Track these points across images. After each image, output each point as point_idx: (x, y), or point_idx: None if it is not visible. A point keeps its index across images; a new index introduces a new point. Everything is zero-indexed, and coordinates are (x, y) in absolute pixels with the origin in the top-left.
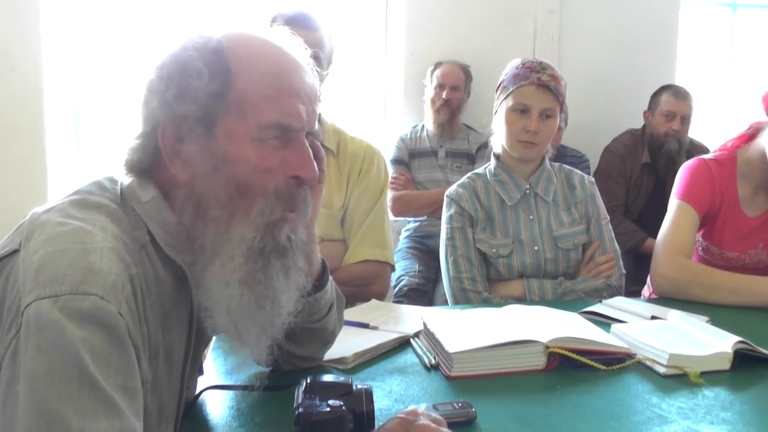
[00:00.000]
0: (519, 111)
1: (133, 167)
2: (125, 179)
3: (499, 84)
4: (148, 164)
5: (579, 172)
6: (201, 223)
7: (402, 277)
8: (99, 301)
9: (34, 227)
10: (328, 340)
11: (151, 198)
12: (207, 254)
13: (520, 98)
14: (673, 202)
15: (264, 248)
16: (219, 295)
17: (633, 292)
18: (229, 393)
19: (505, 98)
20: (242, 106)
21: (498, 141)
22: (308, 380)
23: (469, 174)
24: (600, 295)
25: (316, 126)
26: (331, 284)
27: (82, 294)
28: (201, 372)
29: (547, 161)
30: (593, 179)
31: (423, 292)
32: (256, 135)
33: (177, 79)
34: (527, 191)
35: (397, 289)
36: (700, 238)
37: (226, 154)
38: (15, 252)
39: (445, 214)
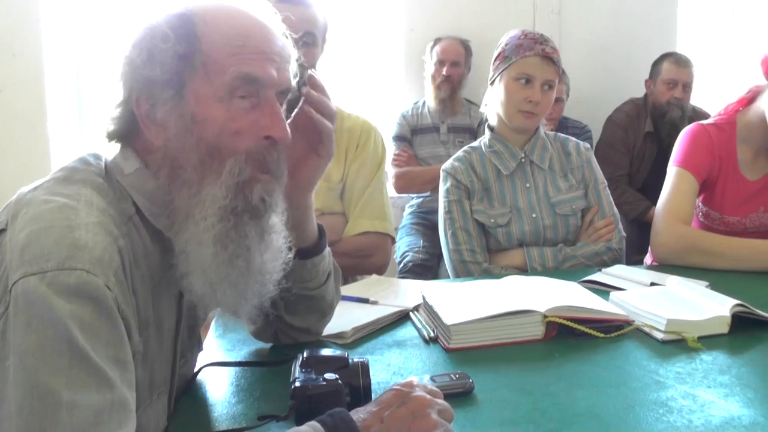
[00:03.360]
0: (522, 81)
1: (113, 135)
2: (109, 154)
3: (498, 54)
4: (127, 131)
5: (574, 139)
6: (176, 185)
7: (406, 253)
8: (86, 276)
9: (19, 206)
10: (326, 312)
11: (134, 169)
12: (181, 216)
13: (524, 68)
14: (672, 170)
15: (236, 207)
16: (193, 255)
17: (637, 261)
18: (228, 369)
19: (506, 68)
20: (207, 66)
21: (493, 111)
22: (305, 354)
23: (464, 147)
24: (601, 259)
25: (302, 88)
26: (328, 253)
27: (68, 269)
28: (200, 347)
29: (541, 129)
30: (588, 145)
31: (428, 268)
32: (223, 94)
33: (146, 44)
34: (522, 160)
35: (401, 265)
36: (700, 204)
37: (194, 116)
38: (1, 232)
39: (441, 188)
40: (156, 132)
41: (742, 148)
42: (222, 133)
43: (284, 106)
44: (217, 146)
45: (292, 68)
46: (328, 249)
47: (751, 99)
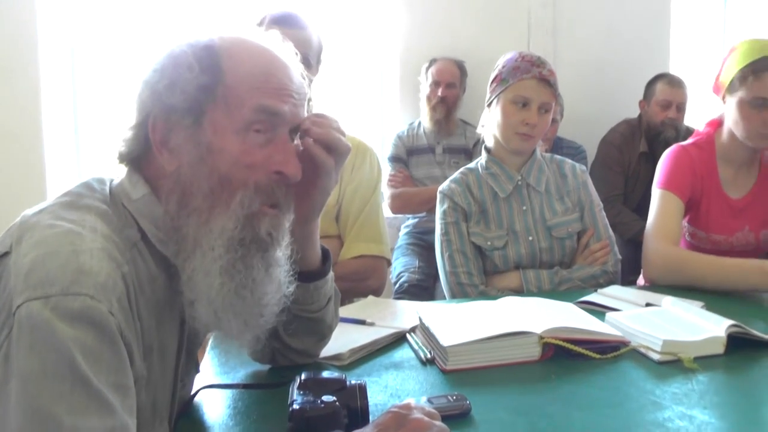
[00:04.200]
0: (519, 104)
1: (125, 158)
2: (115, 178)
3: (495, 76)
4: (138, 155)
5: (570, 161)
6: (184, 212)
7: (402, 274)
8: (89, 301)
9: (24, 230)
10: (325, 334)
11: (142, 195)
12: (189, 244)
13: (521, 91)
14: (656, 192)
15: (244, 239)
16: (200, 284)
17: (633, 281)
18: (226, 391)
19: (503, 91)
20: (228, 99)
21: (490, 133)
22: (302, 377)
23: (461, 169)
24: (596, 281)
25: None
26: (331, 277)
27: (72, 294)
28: (197, 370)
29: (538, 152)
30: (584, 168)
31: (424, 288)
32: (240, 127)
33: (169, 71)
34: (519, 182)
35: (397, 285)
36: (686, 224)
37: (210, 145)
38: (6, 255)
39: (438, 210)
40: (169, 158)
41: (723, 167)
42: (235, 165)
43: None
44: (229, 177)
45: (306, 107)
46: (331, 273)
47: (721, 119)
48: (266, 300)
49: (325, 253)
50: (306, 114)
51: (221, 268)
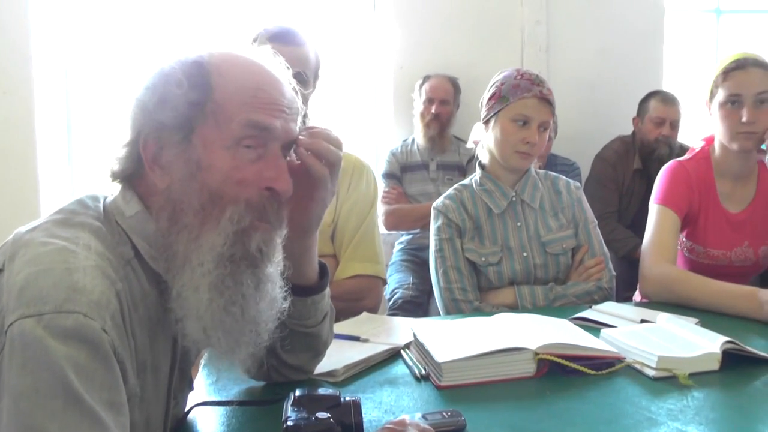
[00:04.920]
0: (520, 122)
1: (117, 176)
2: (109, 195)
3: (494, 94)
4: (132, 172)
5: (564, 177)
6: (175, 229)
7: (396, 290)
8: (82, 319)
9: (17, 247)
10: (320, 350)
11: (135, 212)
12: (179, 260)
13: (522, 110)
14: (653, 207)
15: (233, 255)
16: (189, 300)
17: (627, 297)
18: (220, 409)
19: (503, 109)
20: (218, 115)
21: (485, 150)
22: (296, 393)
23: (455, 185)
24: (591, 298)
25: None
26: (328, 293)
27: (65, 312)
28: (191, 387)
29: (532, 168)
30: (579, 184)
31: (417, 305)
32: (230, 142)
33: (159, 88)
34: (513, 198)
35: (391, 302)
36: (684, 239)
37: (200, 161)
38: None
39: (433, 226)
40: (161, 175)
41: (721, 181)
42: (226, 181)
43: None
44: (219, 193)
45: (299, 122)
46: (328, 289)
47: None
48: (259, 317)
49: (323, 268)
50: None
51: (210, 284)
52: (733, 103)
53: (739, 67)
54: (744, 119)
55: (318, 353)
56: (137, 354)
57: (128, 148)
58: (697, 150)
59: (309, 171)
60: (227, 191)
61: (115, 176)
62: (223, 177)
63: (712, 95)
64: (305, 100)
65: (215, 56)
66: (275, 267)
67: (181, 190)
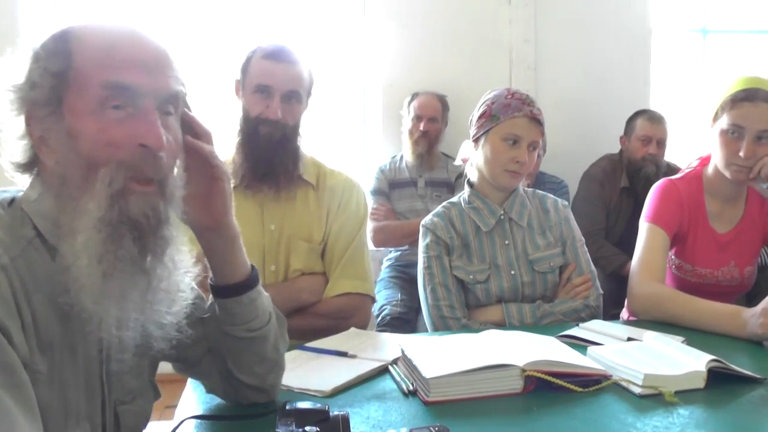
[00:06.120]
0: (510, 141)
1: (18, 167)
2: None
3: (484, 112)
4: (32, 160)
5: (552, 196)
6: (61, 201)
7: (384, 307)
8: None
9: None
10: (274, 360)
11: (38, 195)
12: (66, 231)
13: (513, 129)
14: (643, 225)
15: (111, 219)
16: (72, 269)
17: (615, 315)
18: (208, 422)
19: (493, 127)
20: (79, 81)
21: (474, 168)
22: (285, 407)
23: (444, 203)
24: (578, 315)
25: (184, 96)
26: (267, 297)
27: None
28: (157, 394)
29: (520, 187)
30: (566, 203)
31: (406, 321)
32: (94, 106)
33: (27, 68)
34: (502, 217)
35: (380, 318)
36: (673, 256)
37: (70, 131)
38: None
39: (421, 244)
40: (47, 153)
41: (710, 201)
42: (95, 145)
43: (178, 115)
44: (93, 159)
45: (178, 76)
46: (266, 294)
47: (709, 155)
48: (153, 291)
49: (252, 266)
50: (180, 85)
51: (89, 249)
52: (733, 133)
53: (748, 98)
54: (741, 154)
55: (273, 364)
56: (38, 330)
57: (23, 138)
58: (689, 169)
59: (198, 152)
60: (98, 155)
61: (17, 168)
62: (91, 142)
63: (716, 117)
64: (297, 117)
65: (79, 24)
66: (176, 244)
67: (65, 162)
